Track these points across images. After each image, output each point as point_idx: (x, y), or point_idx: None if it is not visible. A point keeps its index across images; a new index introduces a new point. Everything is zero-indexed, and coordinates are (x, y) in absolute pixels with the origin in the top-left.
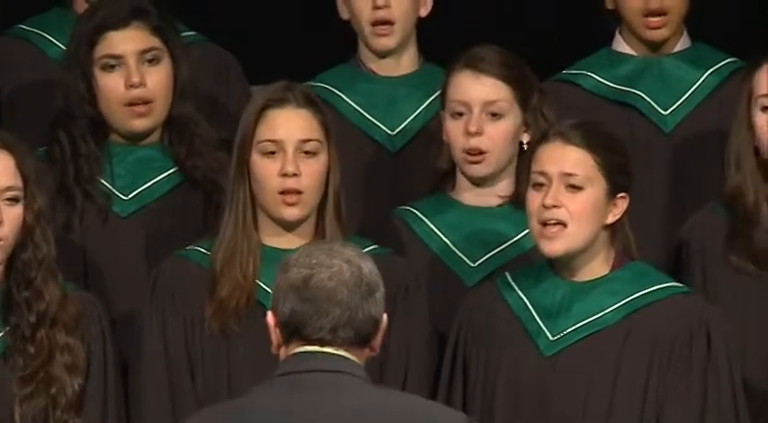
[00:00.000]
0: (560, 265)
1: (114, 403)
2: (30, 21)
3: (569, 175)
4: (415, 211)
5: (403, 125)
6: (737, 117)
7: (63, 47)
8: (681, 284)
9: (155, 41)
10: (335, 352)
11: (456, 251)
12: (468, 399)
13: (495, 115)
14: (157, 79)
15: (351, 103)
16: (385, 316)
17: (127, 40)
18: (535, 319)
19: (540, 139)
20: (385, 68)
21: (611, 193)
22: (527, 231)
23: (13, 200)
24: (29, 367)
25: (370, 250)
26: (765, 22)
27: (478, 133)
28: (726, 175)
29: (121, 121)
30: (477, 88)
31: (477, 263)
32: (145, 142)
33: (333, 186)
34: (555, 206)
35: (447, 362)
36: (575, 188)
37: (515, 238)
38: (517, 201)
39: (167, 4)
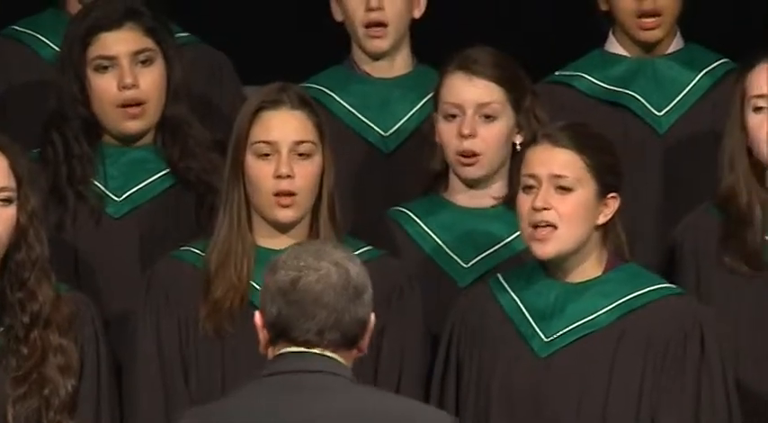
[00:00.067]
0: (553, 267)
1: (107, 404)
2: (23, 22)
3: (558, 176)
4: (408, 211)
5: (396, 126)
6: (731, 118)
7: (56, 48)
8: (674, 285)
9: (148, 42)
10: (322, 353)
11: (449, 252)
12: (461, 400)
13: (489, 117)
14: (150, 80)
15: (344, 104)
16: (372, 316)
17: (120, 42)
18: (528, 321)
19: (530, 141)
20: (378, 70)
21: (602, 194)
22: (520, 232)
23: (7, 201)
24: (22, 368)
25: (364, 251)
26: (758, 22)
27: (472, 135)
28: (719, 176)
29: (114, 122)
30: (471, 90)
31: (470, 264)
32: (138, 144)
33: (327, 188)
34: (545, 208)
35: (440, 363)
36: (564, 190)
37: (508, 240)
38: (510, 202)
39: (160, 5)
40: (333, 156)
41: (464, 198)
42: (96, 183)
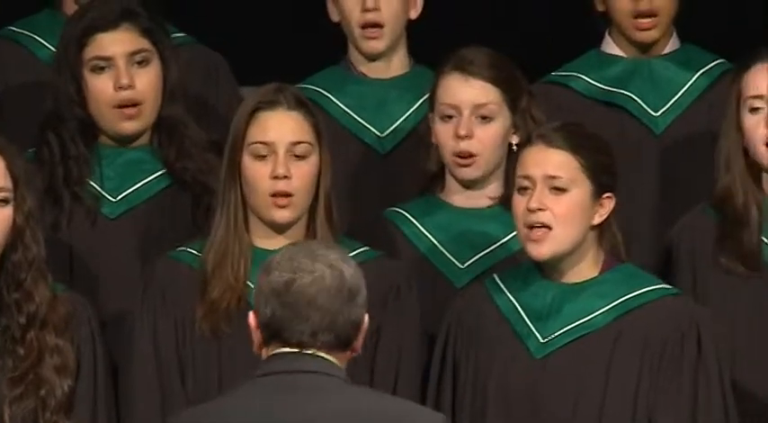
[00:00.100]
0: (549, 268)
1: (104, 404)
2: (19, 22)
3: (553, 177)
4: (404, 212)
5: (393, 127)
6: (727, 119)
7: (52, 48)
8: (671, 286)
9: (144, 43)
10: (315, 353)
11: (445, 252)
12: (457, 400)
13: (485, 118)
14: (147, 81)
15: (340, 105)
16: (366, 317)
17: (116, 42)
18: (525, 322)
19: (524, 142)
20: (375, 71)
21: (597, 194)
22: (516, 233)
23: (3, 201)
24: (18, 369)
25: (362, 252)
26: (754, 23)
27: (468, 136)
28: (716, 177)
29: (110, 123)
30: (467, 91)
31: (466, 264)
32: (134, 144)
33: (324, 188)
34: (540, 209)
35: (436, 363)
36: (559, 190)
37: (504, 240)
38: (506, 202)
39: (157, 5)
40: (330, 156)
41: (460, 198)
42: (92, 183)
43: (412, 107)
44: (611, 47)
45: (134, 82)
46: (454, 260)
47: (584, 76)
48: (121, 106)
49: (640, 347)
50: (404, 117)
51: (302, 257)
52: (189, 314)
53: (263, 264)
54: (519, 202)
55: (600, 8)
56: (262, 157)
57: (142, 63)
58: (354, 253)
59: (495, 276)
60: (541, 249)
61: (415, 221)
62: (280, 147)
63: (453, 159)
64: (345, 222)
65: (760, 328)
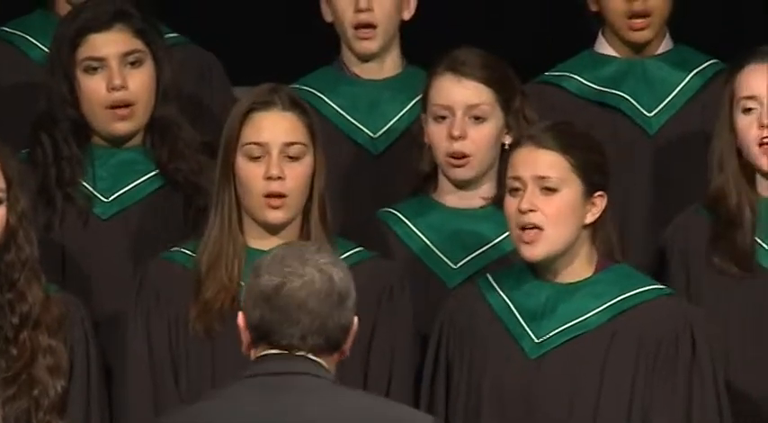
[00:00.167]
0: (542, 268)
1: (97, 405)
2: (12, 23)
3: (543, 178)
4: (396, 213)
5: (385, 128)
6: (720, 119)
7: (45, 49)
8: (665, 286)
9: (137, 44)
10: (304, 355)
11: (437, 253)
12: (450, 401)
13: (478, 119)
14: (140, 82)
15: (333, 105)
16: (356, 320)
17: (109, 43)
18: (519, 322)
19: (515, 143)
20: (368, 71)
21: (588, 193)
22: (509, 233)
23: None
24: (11, 369)
25: (355, 253)
26: (747, 23)
27: (461, 137)
28: (709, 177)
29: (103, 123)
30: (460, 92)
31: (459, 264)
32: (127, 145)
33: (318, 189)
34: (531, 210)
35: (429, 364)
36: (549, 191)
37: (497, 240)
38: (499, 203)
39: (150, 6)
40: (324, 157)
41: (453, 199)
42: (85, 184)
43: (405, 108)
44: (604, 47)
45: (127, 83)
46: (447, 260)
47: (577, 77)
48: (114, 107)
49: (635, 348)
50: (397, 118)
51: (292, 261)
52: (182, 314)
53: (253, 265)
54: (510, 203)
55: (593, 8)
56: (256, 158)
57: (135, 64)
58: (348, 254)
59: (489, 276)
60: (534, 251)
61: (407, 222)
62: (273, 147)
63: (446, 160)
64: (338, 223)
65: (753, 328)
